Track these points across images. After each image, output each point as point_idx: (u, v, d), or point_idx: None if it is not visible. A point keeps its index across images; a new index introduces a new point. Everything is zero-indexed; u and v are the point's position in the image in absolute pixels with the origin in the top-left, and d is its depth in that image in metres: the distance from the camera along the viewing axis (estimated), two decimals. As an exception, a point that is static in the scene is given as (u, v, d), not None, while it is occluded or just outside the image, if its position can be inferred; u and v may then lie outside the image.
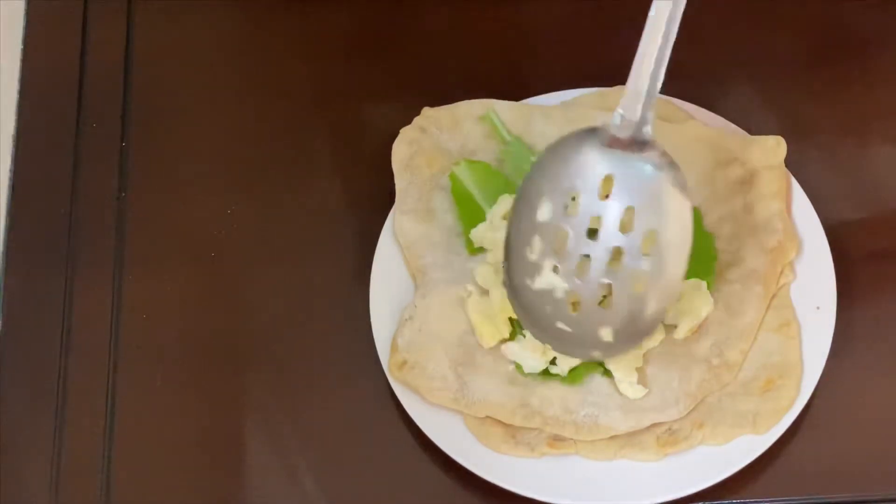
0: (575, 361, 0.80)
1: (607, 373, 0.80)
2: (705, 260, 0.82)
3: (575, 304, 0.76)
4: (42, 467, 0.80)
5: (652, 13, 0.70)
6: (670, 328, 0.80)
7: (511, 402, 0.79)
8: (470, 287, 0.82)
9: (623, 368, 0.79)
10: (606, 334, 0.75)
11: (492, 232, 0.83)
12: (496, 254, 0.82)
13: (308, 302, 0.85)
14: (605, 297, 0.75)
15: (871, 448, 0.80)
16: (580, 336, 0.76)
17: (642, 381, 0.79)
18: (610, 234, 0.73)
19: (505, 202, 0.83)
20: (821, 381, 0.79)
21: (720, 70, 0.92)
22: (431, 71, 0.93)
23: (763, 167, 0.84)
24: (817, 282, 0.81)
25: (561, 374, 0.80)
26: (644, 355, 0.80)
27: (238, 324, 0.85)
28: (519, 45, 0.94)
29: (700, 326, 0.80)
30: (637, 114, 0.72)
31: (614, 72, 0.89)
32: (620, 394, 0.79)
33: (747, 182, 0.84)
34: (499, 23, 0.95)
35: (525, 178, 0.75)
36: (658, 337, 0.80)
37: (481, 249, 0.83)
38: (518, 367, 0.80)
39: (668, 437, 0.78)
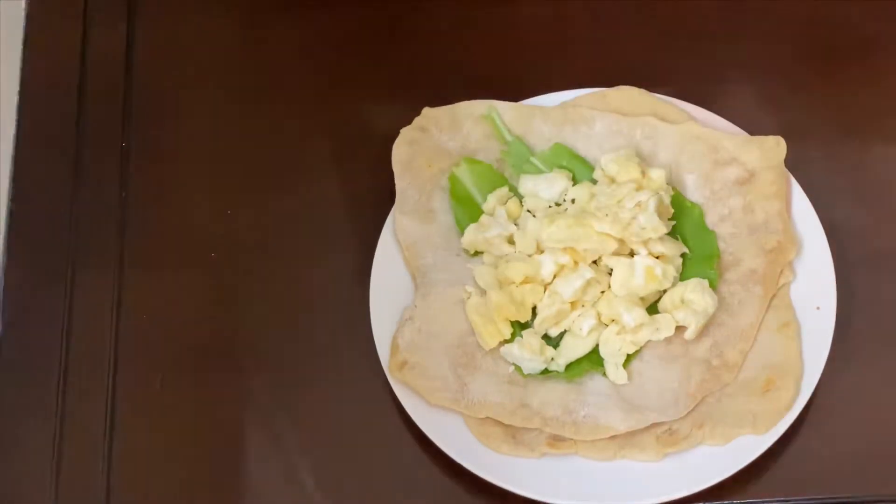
0: (572, 357, 0.80)
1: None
2: (708, 257, 0.82)
3: None
4: (42, 467, 0.80)
5: None
6: (680, 329, 0.80)
7: (511, 403, 0.79)
8: (470, 288, 0.82)
9: (613, 353, 0.79)
10: None
11: (483, 232, 0.83)
12: (493, 252, 0.83)
13: (308, 302, 0.85)
14: None
15: (871, 448, 0.80)
16: None
17: (641, 380, 0.79)
18: None
19: (498, 192, 0.84)
20: (821, 381, 0.79)
21: (720, 70, 0.92)
22: (431, 71, 0.93)
23: (763, 167, 0.84)
24: (817, 282, 0.81)
25: (558, 369, 0.80)
26: (644, 355, 0.80)
27: (238, 324, 0.85)
28: (519, 45, 0.94)
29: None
30: None
31: (614, 72, 0.90)
32: (620, 394, 0.79)
33: (747, 182, 0.84)
34: (499, 23, 0.95)
35: None
36: (666, 332, 0.80)
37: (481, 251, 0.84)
38: (517, 368, 0.80)
39: (668, 437, 0.78)
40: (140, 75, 0.93)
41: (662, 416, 0.78)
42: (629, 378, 0.80)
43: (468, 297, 0.81)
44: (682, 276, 0.82)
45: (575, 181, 0.85)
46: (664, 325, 0.80)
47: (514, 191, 0.85)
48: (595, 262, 0.82)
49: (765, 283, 0.81)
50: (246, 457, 0.81)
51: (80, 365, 0.83)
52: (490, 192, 0.85)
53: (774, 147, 0.84)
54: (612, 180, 0.84)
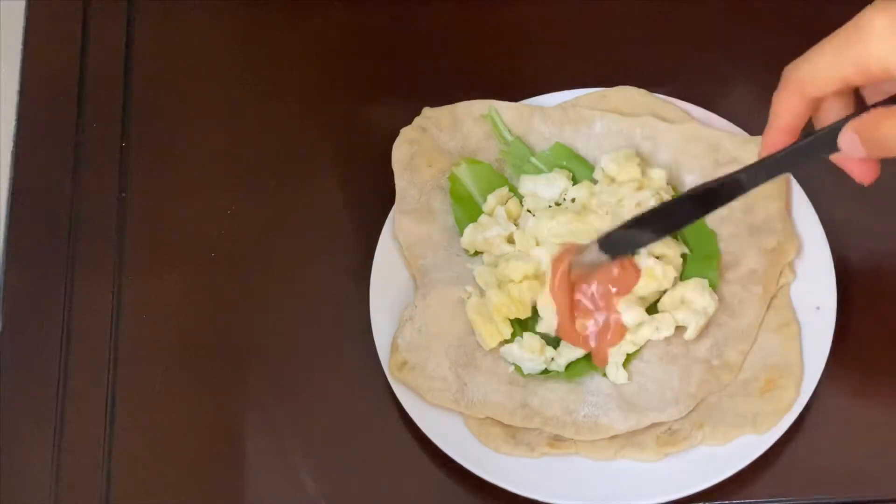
0: (572, 357, 0.80)
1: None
2: (708, 257, 0.82)
3: None
4: (42, 468, 0.80)
5: None
6: (680, 329, 0.80)
7: (511, 403, 0.79)
8: (470, 288, 0.82)
9: (613, 353, 0.79)
10: None
11: (482, 232, 0.83)
12: (493, 252, 0.83)
13: (308, 302, 0.85)
14: None
15: (871, 448, 0.80)
16: None
17: (641, 380, 0.79)
18: None
19: (498, 192, 0.84)
20: (821, 381, 0.79)
21: (720, 70, 0.92)
22: (431, 71, 0.93)
23: (763, 167, 0.84)
24: (817, 282, 0.81)
25: (558, 369, 0.80)
26: (644, 355, 0.80)
27: (238, 324, 0.85)
28: (519, 45, 0.94)
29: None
30: None
31: (614, 72, 0.90)
32: (620, 394, 0.79)
33: (747, 182, 0.84)
34: (499, 23, 0.95)
35: None
36: (666, 332, 0.80)
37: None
38: (517, 368, 0.80)
39: (668, 437, 0.78)
40: (140, 75, 0.93)
41: (662, 416, 0.78)
42: (629, 378, 0.80)
43: (468, 297, 0.81)
44: (683, 276, 0.82)
45: (575, 181, 0.85)
46: (664, 325, 0.80)
47: (514, 191, 0.85)
48: None
49: (765, 284, 0.81)
50: (246, 457, 0.81)
51: (80, 365, 0.83)
52: (490, 192, 0.85)
53: (774, 147, 0.84)
54: (612, 180, 0.84)
